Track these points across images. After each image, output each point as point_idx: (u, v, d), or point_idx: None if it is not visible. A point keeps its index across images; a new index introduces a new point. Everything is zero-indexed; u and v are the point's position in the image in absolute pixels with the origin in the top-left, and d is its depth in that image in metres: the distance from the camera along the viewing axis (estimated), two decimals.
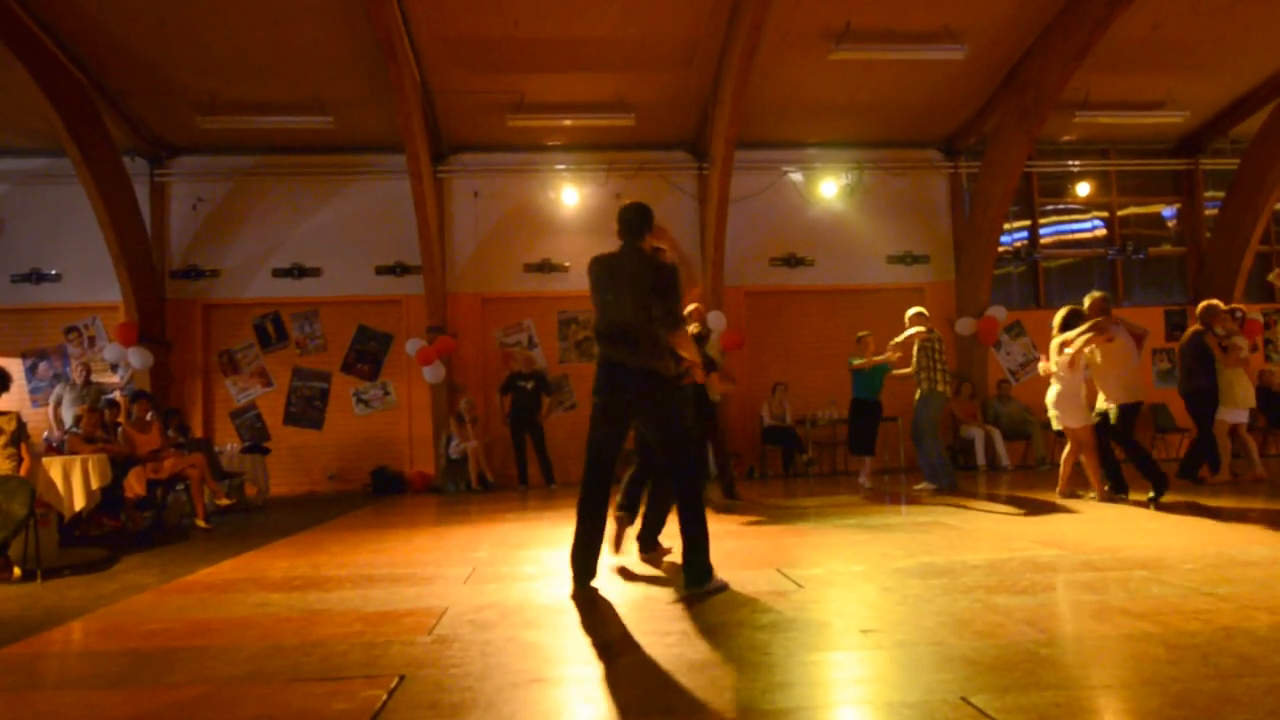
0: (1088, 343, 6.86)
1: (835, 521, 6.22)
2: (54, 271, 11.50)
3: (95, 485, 6.22)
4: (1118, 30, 9.66)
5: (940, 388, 8.34)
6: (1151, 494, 6.48)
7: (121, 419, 8.59)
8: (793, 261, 12.21)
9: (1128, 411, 6.82)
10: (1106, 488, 6.99)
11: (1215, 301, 8.40)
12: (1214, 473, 8.07)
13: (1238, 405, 8.21)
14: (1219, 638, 2.75)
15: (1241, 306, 9.12)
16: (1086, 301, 7.11)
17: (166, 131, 11.36)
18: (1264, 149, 11.83)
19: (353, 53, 9.83)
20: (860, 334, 9.00)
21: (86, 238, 10.85)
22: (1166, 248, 13.26)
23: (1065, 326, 7.12)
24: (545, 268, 12.06)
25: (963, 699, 2.25)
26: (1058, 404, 7.10)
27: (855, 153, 12.40)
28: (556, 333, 12.19)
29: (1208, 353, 8.00)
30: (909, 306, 8.89)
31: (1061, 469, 7.45)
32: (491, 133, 11.60)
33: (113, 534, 7.10)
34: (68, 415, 9.86)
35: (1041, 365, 7.40)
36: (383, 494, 11.11)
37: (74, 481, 6.11)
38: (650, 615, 3.40)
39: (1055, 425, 7.31)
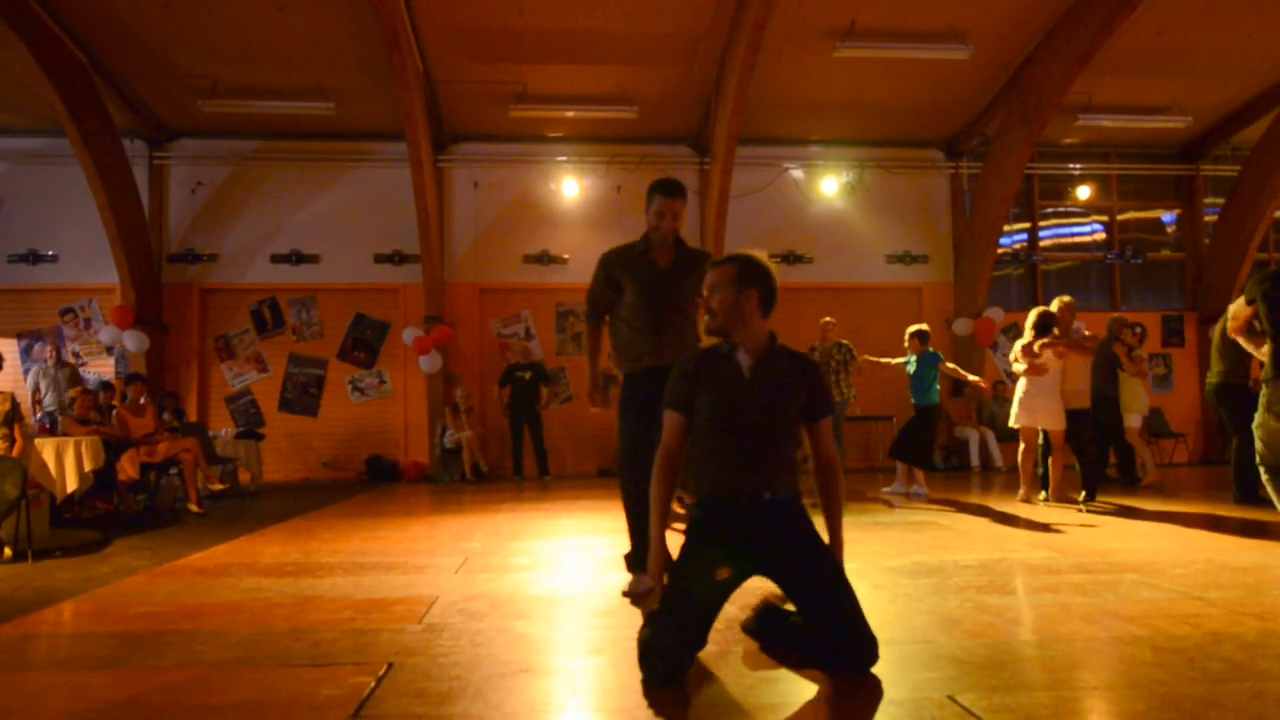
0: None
1: None
2: (51, 252, 11.47)
3: (88, 467, 6.21)
4: (1122, 35, 9.65)
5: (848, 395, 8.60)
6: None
7: (116, 401, 8.58)
8: (792, 259, 12.21)
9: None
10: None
11: (1122, 315, 8.78)
12: (1130, 478, 8.59)
13: (1138, 411, 8.51)
14: (1207, 642, 2.76)
15: (1143, 321, 9.31)
16: (1056, 305, 7.38)
17: (167, 114, 11.32)
18: (1265, 156, 11.84)
19: (355, 40, 9.79)
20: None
21: (84, 219, 10.82)
22: (1165, 253, 13.28)
23: (1038, 326, 7.13)
24: (544, 259, 12.05)
25: (950, 698, 2.26)
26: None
27: (857, 151, 12.40)
28: (554, 325, 12.19)
29: (1115, 361, 8.48)
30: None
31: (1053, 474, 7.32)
32: (493, 123, 11.58)
33: (105, 516, 7.10)
34: (44, 399, 10.07)
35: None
36: (377, 482, 11.11)
37: (67, 463, 6.10)
38: (643, 609, 3.40)
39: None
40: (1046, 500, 7.10)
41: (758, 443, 2.66)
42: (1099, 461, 8.38)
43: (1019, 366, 7.18)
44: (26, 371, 11.38)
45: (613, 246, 3.98)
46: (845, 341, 8.71)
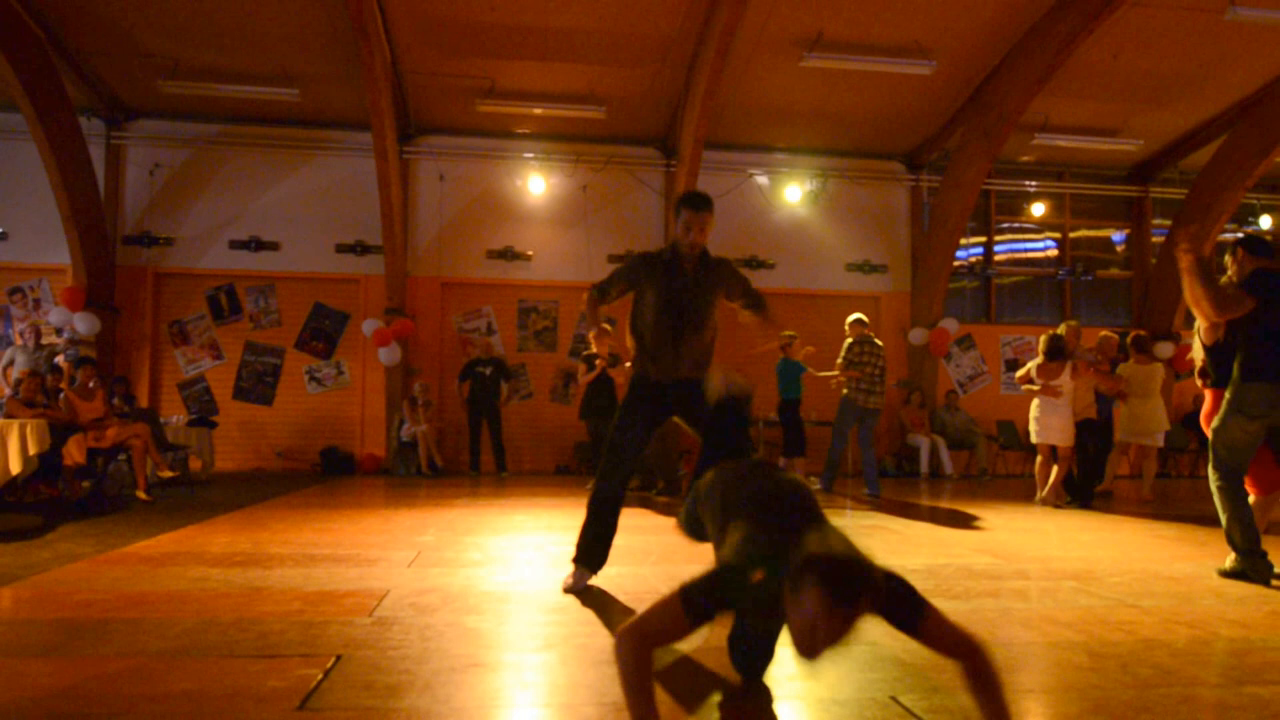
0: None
1: None
2: (0, 230, 11.13)
3: (33, 451, 6.05)
4: (1079, 57, 9.89)
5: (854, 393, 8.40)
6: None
7: (64, 385, 8.35)
8: (754, 264, 12.29)
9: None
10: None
11: (1109, 334, 8.79)
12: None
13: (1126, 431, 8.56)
14: (1140, 648, 2.84)
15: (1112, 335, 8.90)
16: (1064, 330, 7.97)
17: (126, 93, 11.05)
18: (1211, 181, 12.19)
19: (323, 26, 9.65)
20: (788, 334, 9.10)
21: (37, 197, 10.53)
22: (1114, 271, 13.62)
23: (1050, 351, 7.64)
24: (508, 255, 11.98)
25: (892, 698, 2.30)
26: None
27: (821, 160, 12.53)
28: (516, 321, 12.13)
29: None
30: (865, 314, 8.97)
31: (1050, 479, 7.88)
32: (460, 116, 11.49)
33: (49, 502, 6.91)
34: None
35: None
36: (332, 474, 10.96)
37: (10, 446, 5.94)
38: (592, 605, 3.41)
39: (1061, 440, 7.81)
40: (1041, 502, 7.75)
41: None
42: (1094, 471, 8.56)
43: (1032, 387, 7.74)
44: None
45: (645, 250, 4.04)
46: (849, 340, 8.51)
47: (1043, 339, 7.79)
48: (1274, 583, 4.02)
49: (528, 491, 8.65)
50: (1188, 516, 7.02)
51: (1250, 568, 4.07)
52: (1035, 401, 7.75)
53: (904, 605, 2.12)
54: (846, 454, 9.93)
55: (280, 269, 11.64)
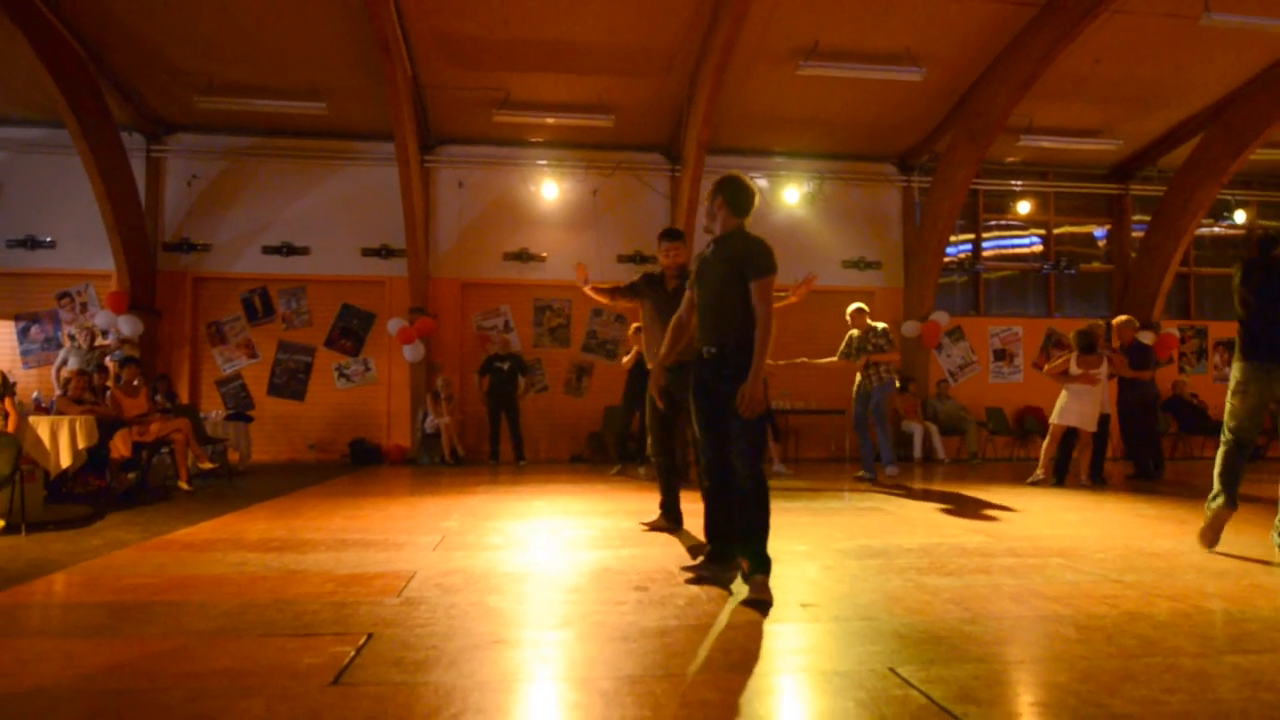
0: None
1: (781, 504, 6.27)
2: (49, 239, 11.18)
3: (81, 445, 6.09)
4: (1061, 63, 9.80)
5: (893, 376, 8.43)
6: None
7: (110, 383, 8.39)
8: None
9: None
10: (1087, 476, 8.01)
11: (1128, 318, 8.88)
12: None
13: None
14: (1123, 621, 2.82)
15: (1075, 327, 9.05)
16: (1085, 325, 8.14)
17: (164, 109, 11.08)
18: (1188, 179, 12.08)
19: (348, 43, 9.65)
20: None
21: (82, 207, 10.56)
22: (1096, 265, 13.52)
23: (1087, 346, 7.87)
24: (523, 257, 11.98)
25: (891, 670, 2.29)
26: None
27: (817, 163, 12.46)
28: (532, 319, 12.13)
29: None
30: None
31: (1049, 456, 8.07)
32: (477, 127, 11.48)
33: (98, 493, 6.94)
34: None
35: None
36: (360, 464, 10.99)
37: (61, 440, 5.98)
38: (607, 584, 3.41)
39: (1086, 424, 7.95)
40: (1083, 485, 7.85)
41: (712, 303, 3.38)
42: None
43: (1072, 372, 7.89)
44: (25, 353, 11.15)
45: (647, 271, 5.16)
46: (882, 325, 8.46)
47: (1074, 336, 7.98)
48: (1241, 520, 4.01)
49: (545, 479, 8.66)
50: (1169, 496, 6.97)
51: (1223, 497, 4.17)
52: (1066, 390, 7.90)
53: (757, 261, 3.40)
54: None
55: (310, 272, 11.67)
